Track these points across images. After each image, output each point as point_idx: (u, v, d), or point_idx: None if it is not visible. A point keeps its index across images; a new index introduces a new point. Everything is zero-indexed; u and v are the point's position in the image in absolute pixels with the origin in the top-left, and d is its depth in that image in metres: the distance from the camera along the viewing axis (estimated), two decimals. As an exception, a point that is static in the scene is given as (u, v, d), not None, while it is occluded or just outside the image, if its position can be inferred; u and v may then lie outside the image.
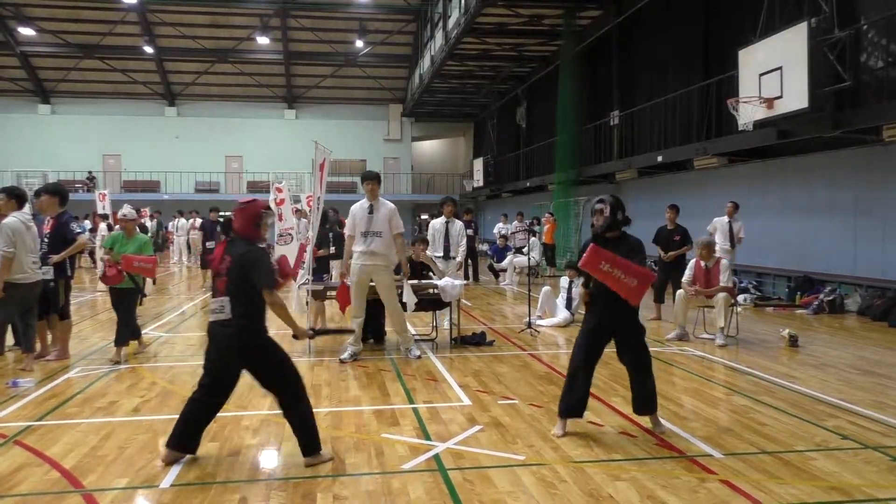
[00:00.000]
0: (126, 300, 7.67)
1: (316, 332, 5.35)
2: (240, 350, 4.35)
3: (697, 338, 9.03)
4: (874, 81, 10.66)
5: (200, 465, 4.41)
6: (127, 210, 7.83)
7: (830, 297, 11.53)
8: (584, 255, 4.83)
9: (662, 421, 5.18)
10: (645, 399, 5.05)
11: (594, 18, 20.66)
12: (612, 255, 4.77)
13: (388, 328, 8.73)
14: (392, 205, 7.69)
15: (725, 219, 12.18)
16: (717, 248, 10.48)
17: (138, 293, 7.77)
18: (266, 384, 4.52)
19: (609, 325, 5.04)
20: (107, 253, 7.62)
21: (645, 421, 5.24)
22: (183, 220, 25.35)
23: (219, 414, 5.54)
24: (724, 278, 8.72)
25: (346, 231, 7.70)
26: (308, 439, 4.43)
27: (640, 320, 5.24)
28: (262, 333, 4.41)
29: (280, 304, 4.37)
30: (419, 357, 7.76)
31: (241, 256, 4.26)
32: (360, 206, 7.61)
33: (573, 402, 5.01)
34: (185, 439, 4.42)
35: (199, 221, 26.73)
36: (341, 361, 7.58)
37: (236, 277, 4.24)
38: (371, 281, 7.64)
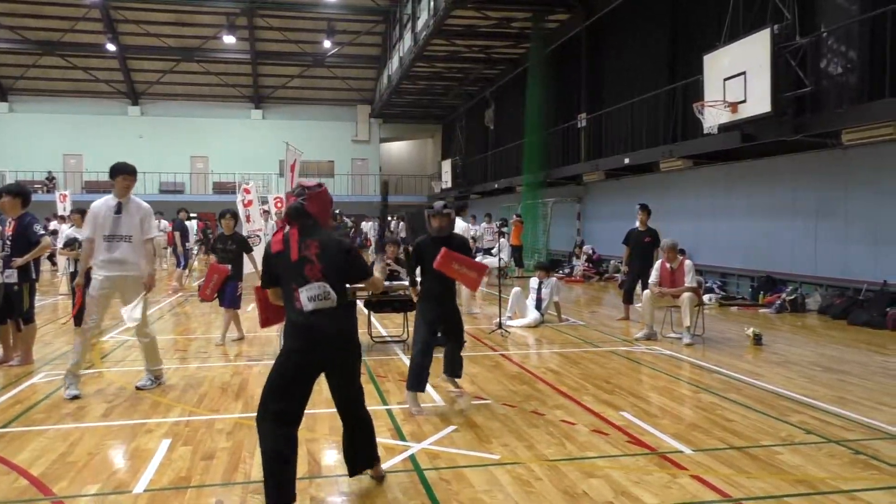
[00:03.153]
0: None
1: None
2: (350, 341, 3.87)
3: (665, 337, 9.18)
4: (834, 87, 10.96)
5: (174, 468, 4.37)
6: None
7: (792, 297, 11.80)
8: (439, 258, 5.63)
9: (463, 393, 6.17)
10: (454, 363, 6.23)
11: (562, 22, 20.88)
12: (459, 255, 5.76)
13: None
14: (147, 205, 6.61)
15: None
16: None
17: None
18: (347, 387, 3.99)
19: (441, 313, 5.98)
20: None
21: (617, 418, 5.32)
22: (165, 222, 24.89)
23: (190, 418, 5.53)
24: (689, 279, 8.89)
25: (85, 233, 6.39)
26: (374, 450, 4.15)
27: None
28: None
29: (378, 280, 4.19)
30: (74, 397, 6.13)
31: (334, 242, 3.85)
32: (104, 205, 6.35)
33: (425, 377, 5.76)
34: (284, 494, 3.62)
35: (164, 223, 26.22)
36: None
37: (333, 263, 3.79)
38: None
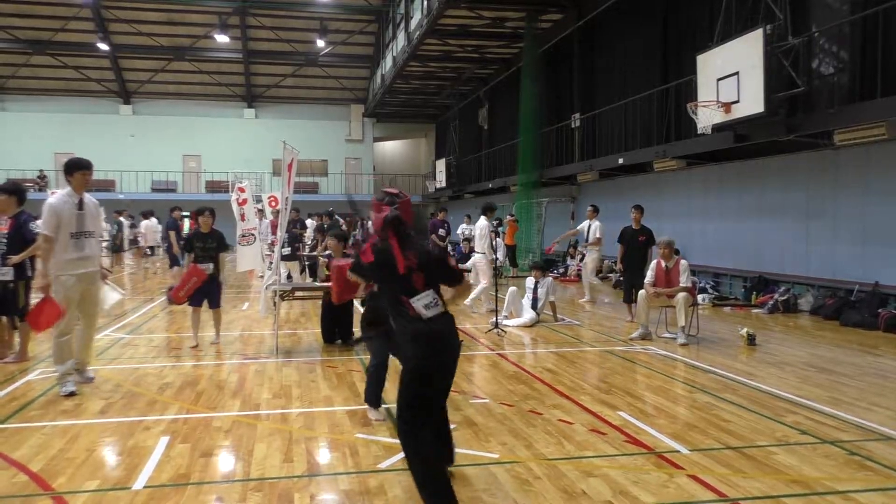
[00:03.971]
0: None
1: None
2: (460, 342, 3.97)
3: (660, 337, 9.22)
4: (826, 87, 11.03)
5: (173, 465, 4.37)
6: None
7: (784, 297, 11.88)
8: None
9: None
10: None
11: (556, 22, 20.92)
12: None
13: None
14: (96, 200, 6.59)
15: (587, 221, 13.64)
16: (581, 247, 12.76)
17: None
18: (450, 386, 4.08)
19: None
20: None
21: (614, 417, 5.36)
22: (147, 221, 24.74)
23: (188, 416, 5.53)
24: (684, 279, 8.94)
25: (47, 231, 6.11)
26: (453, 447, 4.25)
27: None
28: None
29: (469, 284, 4.27)
30: (71, 394, 6.14)
31: (429, 252, 4.00)
32: (65, 201, 6.20)
33: (380, 392, 5.58)
34: (453, 494, 3.61)
35: (154, 221, 26.00)
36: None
37: (432, 271, 3.89)
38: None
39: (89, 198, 6.44)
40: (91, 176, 6.42)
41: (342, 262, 8.42)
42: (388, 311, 3.92)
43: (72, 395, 6.09)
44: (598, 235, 13.34)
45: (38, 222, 8.08)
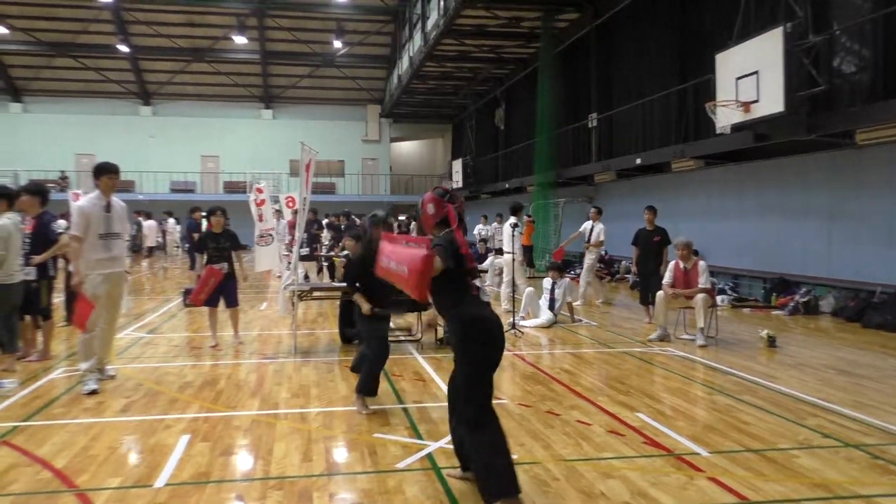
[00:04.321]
0: None
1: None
2: None
3: (678, 338, 9.16)
4: (847, 86, 10.90)
5: (193, 464, 4.41)
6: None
7: (805, 299, 11.75)
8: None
9: None
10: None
11: (572, 21, 20.85)
12: (387, 247, 4.08)
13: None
14: (123, 203, 6.80)
15: (589, 223, 13.38)
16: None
17: None
18: None
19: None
20: None
21: (633, 419, 5.33)
22: (148, 222, 25.01)
23: (208, 414, 5.58)
24: (703, 280, 8.87)
25: (76, 232, 6.32)
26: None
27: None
28: None
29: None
30: (93, 392, 6.24)
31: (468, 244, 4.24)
32: (94, 203, 6.40)
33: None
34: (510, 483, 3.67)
35: (152, 222, 26.18)
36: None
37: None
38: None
39: (116, 200, 6.61)
40: (118, 179, 6.58)
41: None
42: (449, 304, 3.91)
43: (93, 393, 6.17)
44: (601, 238, 13.14)
45: (61, 222, 8.21)
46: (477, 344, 3.79)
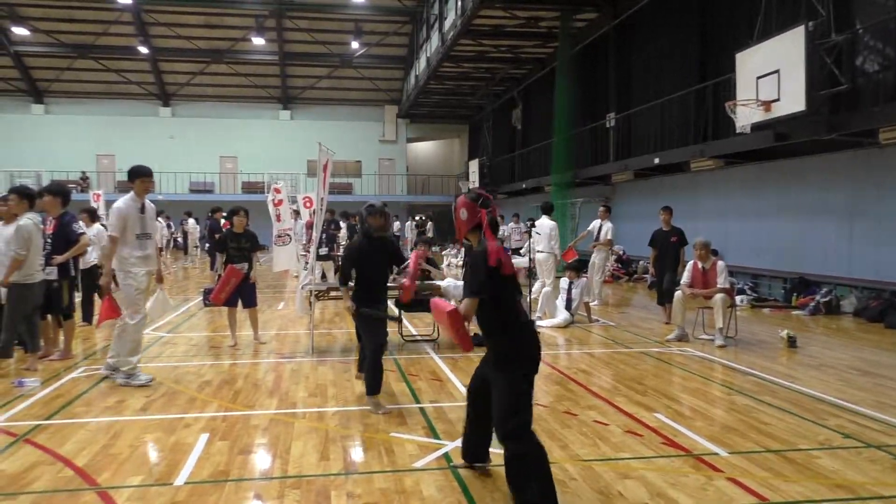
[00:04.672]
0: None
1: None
2: None
3: (697, 338, 9.10)
4: (870, 85, 10.77)
5: (213, 462, 4.44)
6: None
7: (826, 299, 11.62)
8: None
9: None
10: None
11: (591, 21, 20.78)
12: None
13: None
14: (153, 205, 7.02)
15: (598, 221, 13.29)
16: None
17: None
18: None
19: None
20: None
21: (651, 419, 5.32)
22: (192, 221, 25.44)
23: (227, 413, 5.62)
24: (722, 279, 8.81)
25: (114, 233, 6.52)
26: None
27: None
28: None
29: None
30: (148, 382, 6.63)
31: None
32: (130, 205, 6.59)
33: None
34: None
35: (191, 222, 26.56)
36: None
37: None
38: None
39: (148, 202, 6.79)
40: (152, 183, 6.83)
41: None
42: (496, 330, 3.83)
43: (148, 384, 6.47)
44: (609, 237, 12.95)
45: (81, 223, 8.30)
46: (521, 361, 3.78)
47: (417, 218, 28.20)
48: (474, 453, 4.27)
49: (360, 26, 32.74)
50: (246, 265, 8.63)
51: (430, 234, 26.74)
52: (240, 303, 8.69)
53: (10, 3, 30.48)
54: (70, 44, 33.04)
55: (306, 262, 11.42)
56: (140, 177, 6.65)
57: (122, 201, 6.55)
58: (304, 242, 16.34)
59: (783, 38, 10.72)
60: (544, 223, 11.59)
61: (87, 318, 9.72)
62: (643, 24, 18.30)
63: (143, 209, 6.63)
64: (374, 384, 5.69)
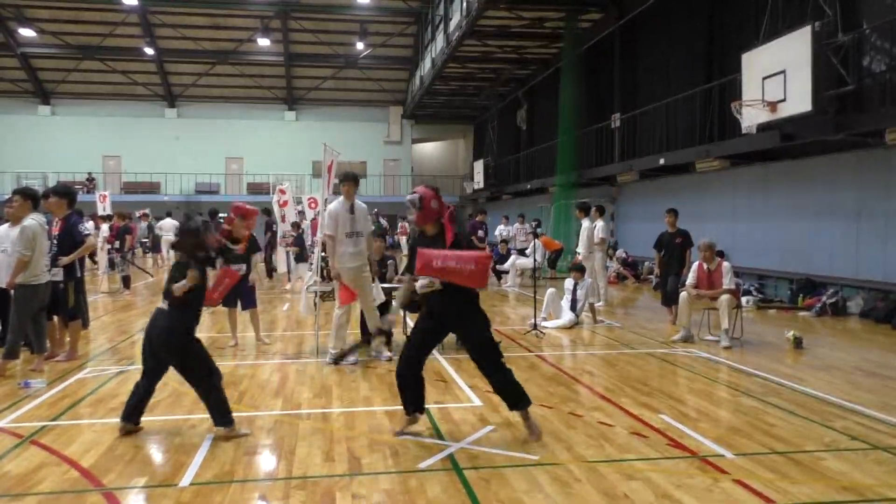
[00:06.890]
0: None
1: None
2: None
3: (702, 339, 9.07)
4: (877, 85, 10.72)
5: (218, 463, 4.45)
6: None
7: (833, 300, 11.57)
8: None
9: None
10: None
11: (596, 21, 20.75)
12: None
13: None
14: (364, 205, 7.76)
15: (586, 222, 13.07)
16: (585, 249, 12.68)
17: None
18: None
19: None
20: None
21: (656, 420, 5.30)
22: (169, 221, 25.17)
23: (232, 414, 5.62)
24: (727, 280, 8.79)
25: (327, 231, 7.48)
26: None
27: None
28: None
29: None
30: (390, 359, 7.60)
31: None
32: (341, 207, 7.48)
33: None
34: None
35: (169, 221, 26.35)
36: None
37: None
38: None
39: (360, 204, 7.62)
40: (357, 187, 7.63)
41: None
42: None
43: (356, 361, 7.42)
44: (601, 236, 12.68)
45: (88, 224, 8.31)
46: (483, 317, 4.99)
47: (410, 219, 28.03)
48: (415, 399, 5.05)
49: (365, 27, 32.78)
50: (243, 266, 8.61)
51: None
52: (239, 304, 8.72)
53: (18, 5, 30.63)
54: (76, 45, 33.17)
55: (311, 263, 11.42)
56: (347, 181, 7.49)
57: (335, 203, 7.51)
58: (309, 243, 16.36)
59: (790, 39, 10.69)
60: (587, 225, 11.79)
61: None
62: (648, 24, 18.27)
63: (351, 209, 7.49)
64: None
